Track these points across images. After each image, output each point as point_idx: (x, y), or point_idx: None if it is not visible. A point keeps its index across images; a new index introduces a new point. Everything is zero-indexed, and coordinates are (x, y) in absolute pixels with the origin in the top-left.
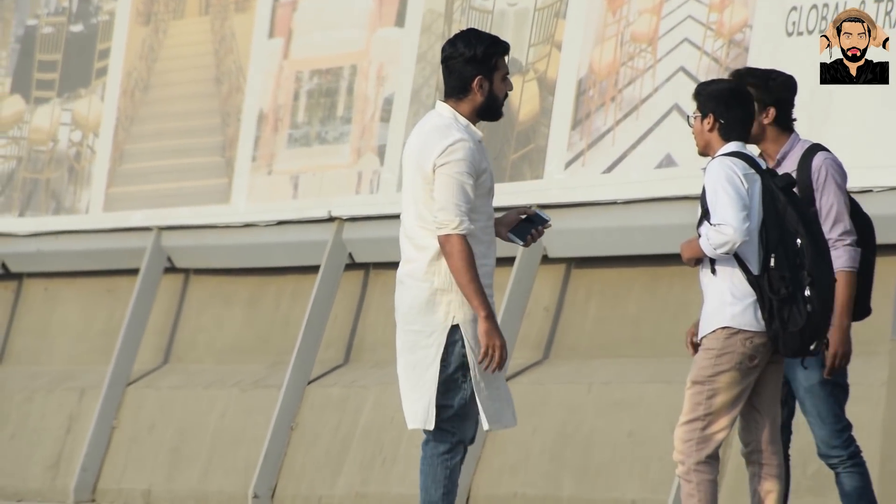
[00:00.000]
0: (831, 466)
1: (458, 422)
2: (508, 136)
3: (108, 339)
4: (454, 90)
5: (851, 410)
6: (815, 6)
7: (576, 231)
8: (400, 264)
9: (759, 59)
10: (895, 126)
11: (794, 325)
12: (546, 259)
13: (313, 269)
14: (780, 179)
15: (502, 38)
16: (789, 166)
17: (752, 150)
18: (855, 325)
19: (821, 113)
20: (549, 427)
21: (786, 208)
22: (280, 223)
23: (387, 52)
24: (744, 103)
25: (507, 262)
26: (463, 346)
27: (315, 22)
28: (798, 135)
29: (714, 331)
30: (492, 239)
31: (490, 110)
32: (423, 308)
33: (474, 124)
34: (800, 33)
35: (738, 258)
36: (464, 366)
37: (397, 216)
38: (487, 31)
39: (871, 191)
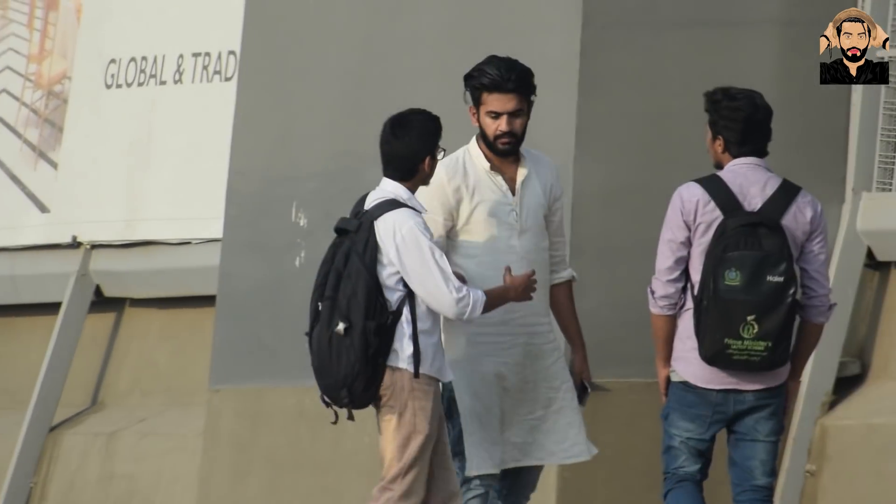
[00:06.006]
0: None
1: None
2: None
3: None
4: None
5: (167, 461)
6: (133, 59)
7: None
8: None
9: (80, 110)
10: (211, 179)
11: None
12: None
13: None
14: (341, 222)
15: None
16: None
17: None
18: (175, 377)
19: (141, 163)
20: None
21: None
22: None
23: None
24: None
25: None
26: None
27: None
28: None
29: None
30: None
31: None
32: None
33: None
34: (119, 85)
35: None
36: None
37: None
38: None
39: (189, 242)
